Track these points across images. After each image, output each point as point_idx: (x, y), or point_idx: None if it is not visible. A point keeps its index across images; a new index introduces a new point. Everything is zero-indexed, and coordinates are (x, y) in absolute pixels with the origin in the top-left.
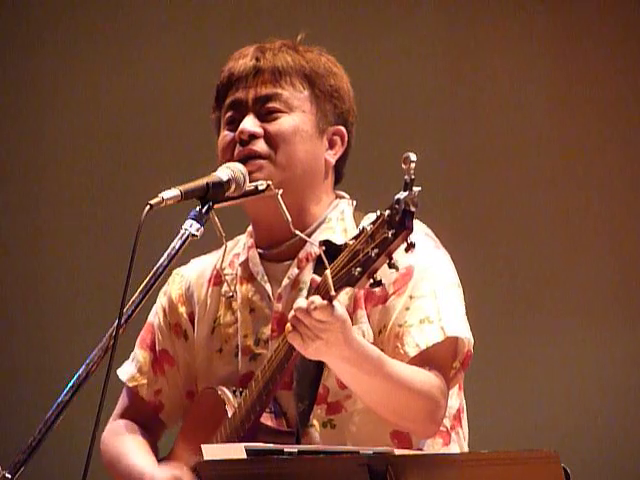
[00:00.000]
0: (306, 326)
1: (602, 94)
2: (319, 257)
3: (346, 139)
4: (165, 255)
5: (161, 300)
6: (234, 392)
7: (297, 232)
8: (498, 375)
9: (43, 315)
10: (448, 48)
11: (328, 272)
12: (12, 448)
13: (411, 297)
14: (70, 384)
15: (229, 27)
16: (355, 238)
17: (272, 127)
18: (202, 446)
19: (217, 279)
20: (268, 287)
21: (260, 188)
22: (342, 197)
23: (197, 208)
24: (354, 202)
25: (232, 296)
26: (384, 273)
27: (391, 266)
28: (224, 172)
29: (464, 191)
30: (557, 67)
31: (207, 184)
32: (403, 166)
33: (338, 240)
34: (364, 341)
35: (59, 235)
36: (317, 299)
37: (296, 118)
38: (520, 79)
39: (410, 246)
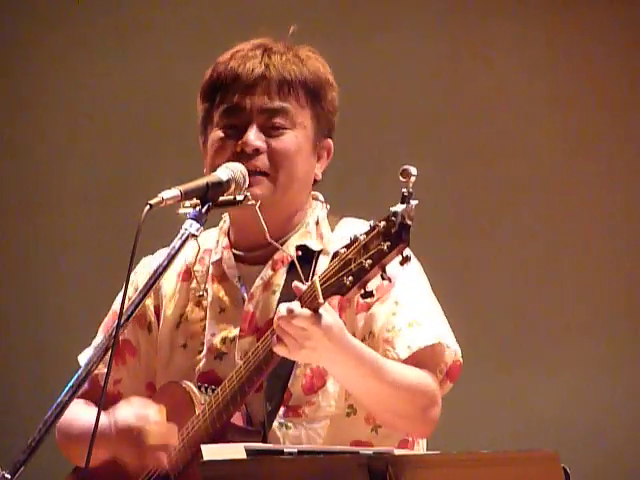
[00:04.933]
0: (290, 335)
1: (603, 95)
2: (293, 261)
3: (332, 152)
4: (165, 255)
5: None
6: (199, 388)
7: (273, 242)
8: (499, 376)
9: (43, 315)
10: (448, 47)
11: (317, 279)
12: (12, 448)
13: (397, 303)
14: (70, 384)
15: (229, 26)
16: (347, 247)
17: (276, 144)
18: (202, 446)
19: (187, 274)
20: (243, 290)
21: (238, 199)
22: (316, 199)
23: (197, 208)
24: (327, 206)
25: (202, 295)
26: None
27: (384, 278)
28: (224, 172)
29: (462, 195)
30: (558, 67)
31: (207, 184)
32: (401, 179)
33: (314, 245)
34: (359, 343)
35: (59, 235)
36: (296, 307)
37: (299, 135)
38: (520, 78)
39: (405, 259)
